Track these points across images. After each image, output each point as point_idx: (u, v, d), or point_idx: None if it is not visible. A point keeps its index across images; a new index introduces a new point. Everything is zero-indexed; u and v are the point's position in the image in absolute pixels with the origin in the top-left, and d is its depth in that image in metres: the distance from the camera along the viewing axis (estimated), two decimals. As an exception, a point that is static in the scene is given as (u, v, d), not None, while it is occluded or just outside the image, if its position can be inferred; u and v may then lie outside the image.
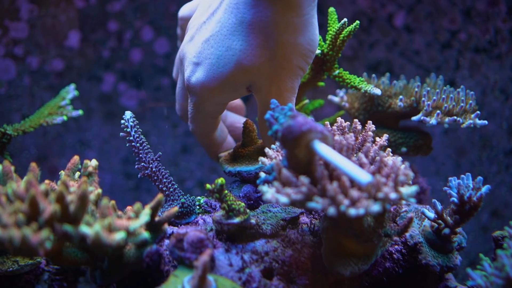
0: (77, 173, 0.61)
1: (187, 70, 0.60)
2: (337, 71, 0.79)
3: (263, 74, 0.57)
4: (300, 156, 0.50)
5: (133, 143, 0.64)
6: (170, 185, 0.66)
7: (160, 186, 0.65)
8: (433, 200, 0.63)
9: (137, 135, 0.65)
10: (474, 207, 0.60)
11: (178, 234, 0.55)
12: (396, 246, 0.64)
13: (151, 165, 0.65)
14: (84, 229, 0.45)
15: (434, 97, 0.80)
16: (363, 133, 0.61)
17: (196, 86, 0.59)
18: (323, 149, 0.47)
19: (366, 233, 0.55)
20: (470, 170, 0.94)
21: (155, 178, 0.65)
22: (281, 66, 0.56)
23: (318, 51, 0.75)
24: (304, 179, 0.48)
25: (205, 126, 0.67)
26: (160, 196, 0.53)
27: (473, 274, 0.52)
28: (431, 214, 0.64)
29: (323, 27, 0.80)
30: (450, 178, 0.63)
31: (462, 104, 0.79)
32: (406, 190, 0.48)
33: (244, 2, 0.54)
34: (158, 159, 0.66)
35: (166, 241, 0.61)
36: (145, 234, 0.48)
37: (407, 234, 0.64)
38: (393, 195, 0.47)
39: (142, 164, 0.65)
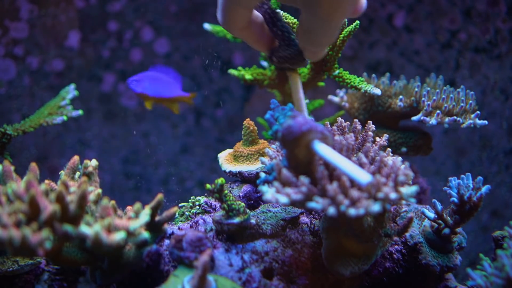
0: (77, 173, 0.61)
1: None
2: (337, 71, 0.79)
3: None
4: (300, 156, 0.50)
5: None
6: (284, 28, 0.58)
7: (274, 29, 0.58)
8: (433, 200, 0.63)
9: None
10: (474, 207, 0.60)
11: (176, 236, 0.55)
12: (396, 246, 0.64)
13: (265, 5, 0.58)
14: (84, 229, 0.45)
15: (434, 97, 0.80)
16: (363, 133, 0.60)
17: None
18: (323, 149, 0.47)
19: (366, 233, 0.55)
20: (470, 170, 0.94)
21: (269, 20, 0.58)
22: None
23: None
24: (304, 179, 0.48)
25: (238, 16, 0.56)
26: (160, 196, 0.53)
27: (473, 274, 0.52)
28: (431, 214, 0.64)
29: (323, 27, 0.80)
30: (450, 178, 0.63)
31: (462, 104, 0.79)
32: (406, 190, 0.47)
33: None
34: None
35: (166, 241, 0.61)
36: (145, 234, 0.48)
37: (407, 234, 0.64)
38: (393, 195, 0.46)
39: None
